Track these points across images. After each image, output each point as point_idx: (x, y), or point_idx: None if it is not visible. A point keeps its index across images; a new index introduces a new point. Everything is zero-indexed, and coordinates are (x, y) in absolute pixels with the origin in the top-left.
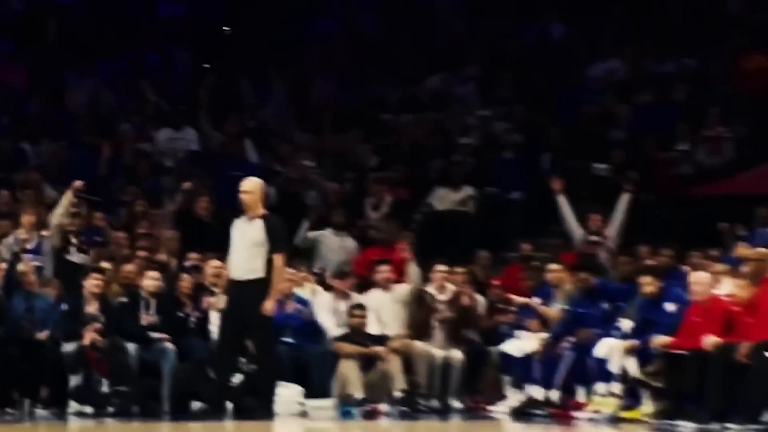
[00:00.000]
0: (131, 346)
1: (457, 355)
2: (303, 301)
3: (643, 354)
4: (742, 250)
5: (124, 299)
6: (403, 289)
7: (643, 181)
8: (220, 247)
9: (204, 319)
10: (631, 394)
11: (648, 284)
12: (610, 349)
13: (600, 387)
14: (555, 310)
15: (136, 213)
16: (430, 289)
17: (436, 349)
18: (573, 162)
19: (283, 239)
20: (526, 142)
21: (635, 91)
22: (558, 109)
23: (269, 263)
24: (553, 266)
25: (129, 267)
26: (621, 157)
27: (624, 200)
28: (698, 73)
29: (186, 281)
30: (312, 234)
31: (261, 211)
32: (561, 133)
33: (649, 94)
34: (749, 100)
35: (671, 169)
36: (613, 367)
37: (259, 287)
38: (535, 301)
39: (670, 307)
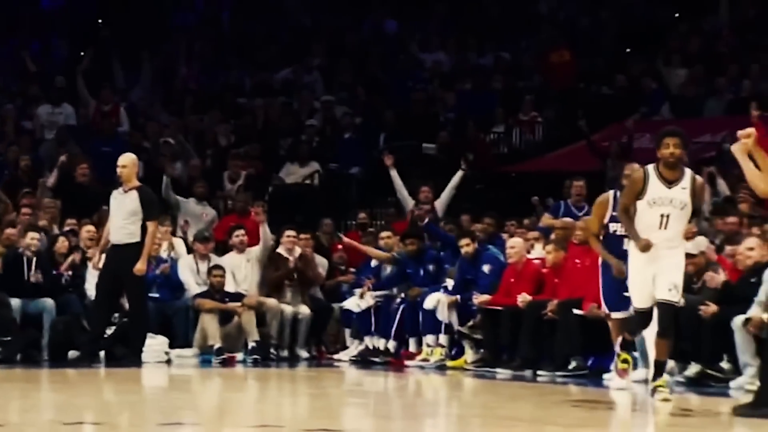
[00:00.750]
0: (15, 301)
1: (304, 310)
2: (163, 260)
3: (465, 309)
4: (546, 219)
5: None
6: (256, 251)
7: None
8: (95, 212)
9: (79, 277)
10: (456, 345)
11: (466, 245)
12: (437, 303)
13: (429, 338)
14: (385, 254)
15: (20, 180)
16: (281, 251)
17: (285, 305)
18: (405, 142)
19: (155, 208)
20: (363, 124)
21: (458, 80)
22: (392, 95)
23: (143, 229)
24: (385, 233)
25: (12, 230)
26: (446, 138)
27: (458, 177)
28: (513, 65)
29: (62, 243)
30: (176, 198)
31: (136, 183)
32: (394, 116)
33: (470, 82)
34: (556, 89)
35: (490, 148)
36: (441, 318)
37: (133, 250)
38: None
39: (486, 267)
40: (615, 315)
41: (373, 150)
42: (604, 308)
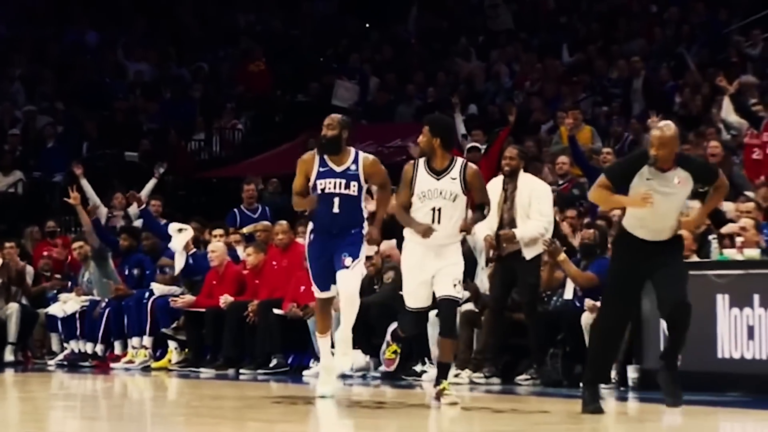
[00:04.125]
0: None
1: (9, 312)
2: None
3: (169, 311)
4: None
5: None
6: None
7: (169, 165)
8: None
9: None
10: (160, 347)
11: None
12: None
13: (134, 341)
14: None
15: None
16: None
17: None
18: (108, 150)
19: None
20: (66, 133)
21: (160, 89)
22: (94, 104)
23: None
24: (77, 243)
25: None
26: (148, 146)
27: (151, 184)
28: (212, 75)
29: None
30: None
31: None
32: (97, 126)
33: (170, 91)
34: (253, 98)
35: (191, 155)
36: (144, 323)
37: None
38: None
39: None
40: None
41: (77, 158)
42: (315, 290)
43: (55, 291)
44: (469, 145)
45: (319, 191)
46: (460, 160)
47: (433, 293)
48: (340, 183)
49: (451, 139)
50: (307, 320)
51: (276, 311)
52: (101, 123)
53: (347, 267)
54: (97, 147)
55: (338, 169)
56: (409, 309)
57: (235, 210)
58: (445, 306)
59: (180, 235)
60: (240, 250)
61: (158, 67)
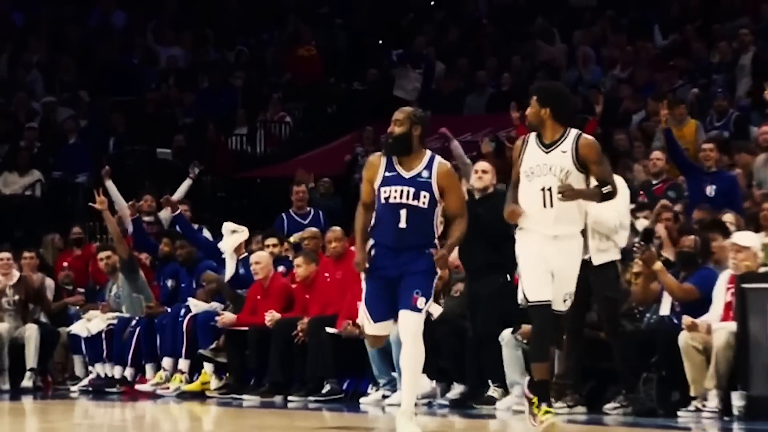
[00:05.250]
0: None
1: (28, 334)
2: None
3: (209, 330)
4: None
5: None
6: None
7: (206, 164)
8: None
9: None
10: (197, 370)
11: None
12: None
13: (167, 363)
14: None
15: None
16: None
17: (5, 329)
18: (138, 146)
19: None
20: (90, 127)
21: (196, 77)
22: (122, 94)
23: None
24: (104, 253)
25: None
26: (183, 141)
27: (185, 186)
28: (255, 60)
29: None
30: None
31: None
32: (125, 119)
33: (209, 80)
34: (303, 86)
35: (232, 152)
36: (179, 344)
37: None
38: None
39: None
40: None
41: (103, 156)
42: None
43: (78, 307)
44: None
45: (383, 201)
46: (574, 132)
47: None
48: (408, 192)
49: (563, 108)
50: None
51: (329, 330)
52: (130, 116)
53: (417, 309)
54: (125, 143)
55: (407, 175)
56: (533, 303)
57: (283, 215)
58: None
59: (232, 237)
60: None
61: (194, 52)
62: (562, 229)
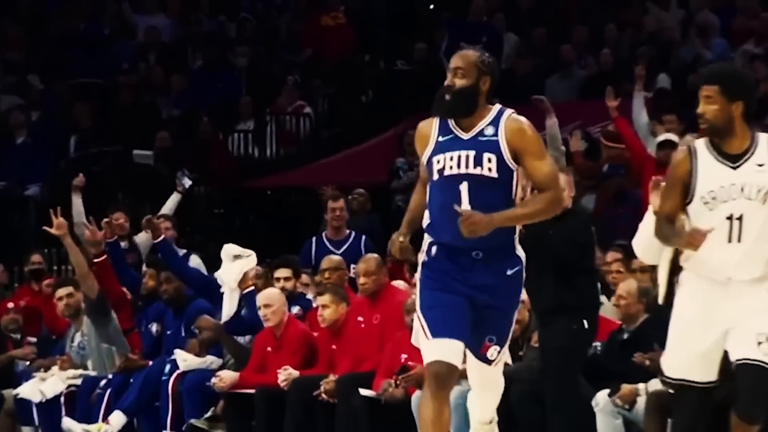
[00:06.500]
0: None
1: None
2: None
3: (203, 392)
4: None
5: None
6: None
7: (200, 170)
8: None
9: None
10: None
11: None
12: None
13: None
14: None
15: None
16: None
17: None
18: (108, 147)
19: None
20: (44, 122)
21: (186, 55)
22: (87, 77)
23: None
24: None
25: None
26: (168, 140)
27: (172, 201)
28: (264, 32)
29: None
30: None
31: None
32: (90, 110)
33: (202, 58)
34: (328, 67)
35: (232, 153)
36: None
37: None
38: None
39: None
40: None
41: (61, 160)
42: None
43: (28, 363)
44: (660, 138)
45: (435, 176)
46: (765, 137)
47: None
48: (467, 157)
49: (754, 104)
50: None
51: (363, 392)
52: (97, 106)
53: (489, 360)
54: (90, 143)
55: (466, 136)
56: (677, 382)
57: (312, 240)
58: (747, 374)
59: (235, 264)
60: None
61: (182, 23)
62: (748, 273)
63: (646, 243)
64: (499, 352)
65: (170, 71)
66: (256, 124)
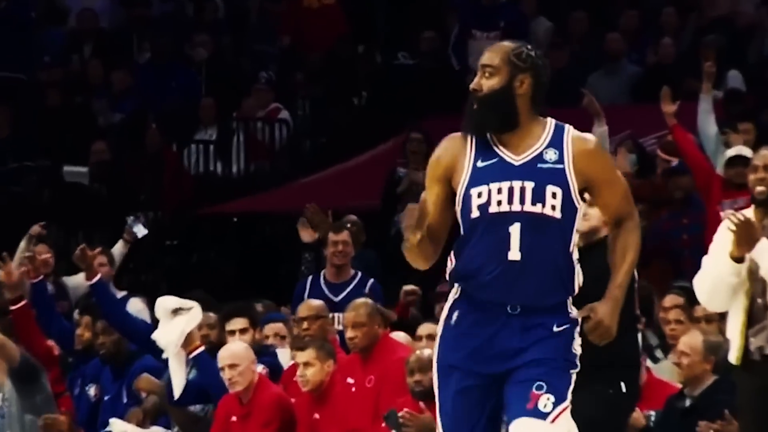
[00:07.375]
0: None
1: None
2: None
3: None
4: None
5: None
6: None
7: (148, 191)
8: None
9: None
10: None
11: None
12: None
13: None
14: None
15: None
16: None
17: None
18: (30, 161)
19: None
20: None
21: (130, 45)
22: (3, 73)
23: None
24: None
25: None
26: (107, 154)
27: (117, 250)
28: (231, 16)
29: None
30: None
31: None
32: (9, 117)
33: (150, 49)
34: (312, 59)
35: (189, 170)
36: None
37: None
38: None
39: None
40: None
41: None
42: None
43: None
44: (729, 153)
45: (474, 214)
46: None
47: None
48: (523, 190)
49: None
50: None
51: None
52: (18, 110)
53: (542, 414)
54: (8, 156)
55: (518, 160)
56: None
57: (307, 281)
58: None
59: (175, 322)
60: (283, 354)
61: (125, 4)
62: None
63: (711, 285)
64: (554, 403)
65: (110, 66)
66: (220, 132)
